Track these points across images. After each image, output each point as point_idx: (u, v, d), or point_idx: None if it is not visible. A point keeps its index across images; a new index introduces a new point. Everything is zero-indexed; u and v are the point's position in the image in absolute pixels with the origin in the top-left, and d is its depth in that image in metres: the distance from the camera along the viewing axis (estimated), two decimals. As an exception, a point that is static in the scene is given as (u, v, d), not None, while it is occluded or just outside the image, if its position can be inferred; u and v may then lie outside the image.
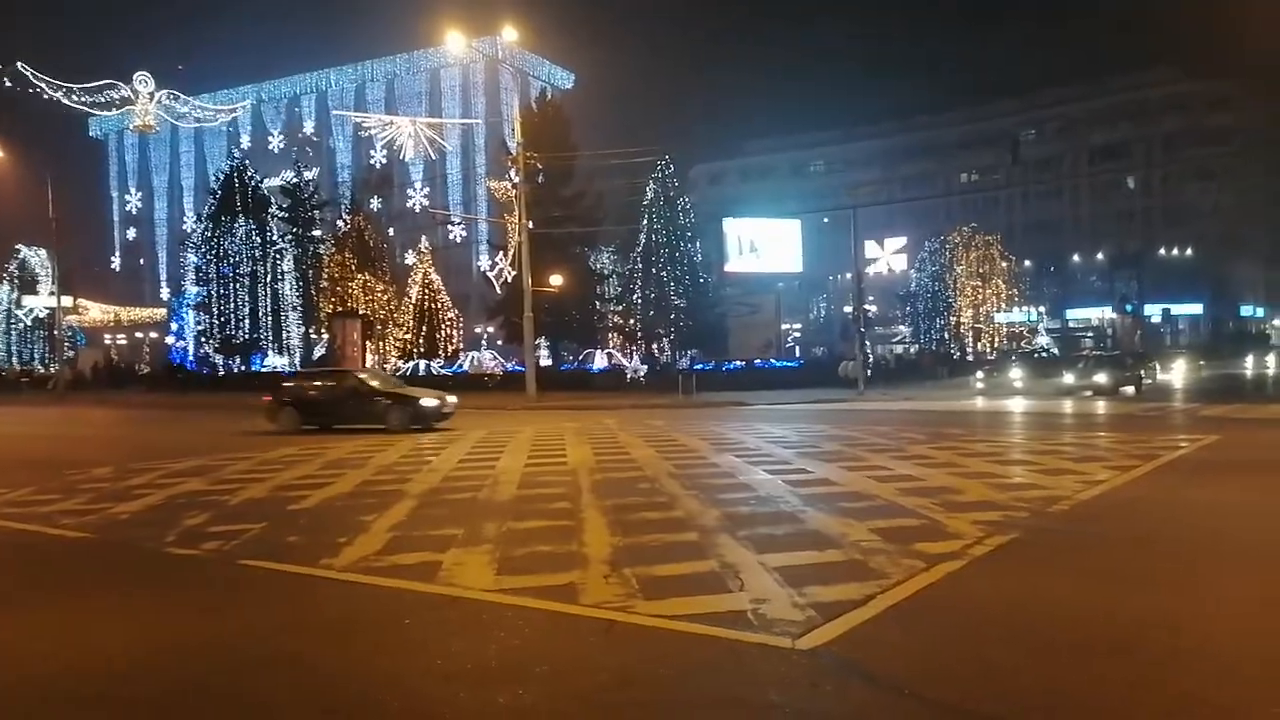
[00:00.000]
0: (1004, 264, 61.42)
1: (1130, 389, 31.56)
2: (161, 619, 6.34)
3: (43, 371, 63.02)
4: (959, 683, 4.78)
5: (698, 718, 4.46)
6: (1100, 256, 75.92)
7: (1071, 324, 74.55)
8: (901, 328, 66.66)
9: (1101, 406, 26.63)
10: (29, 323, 70.11)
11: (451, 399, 22.75)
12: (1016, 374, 38.04)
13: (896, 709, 4.48)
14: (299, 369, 51.03)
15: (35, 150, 65.95)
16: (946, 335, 60.05)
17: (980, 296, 60.40)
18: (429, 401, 21.69)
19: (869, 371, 38.23)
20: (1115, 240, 75.80)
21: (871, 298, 57.77)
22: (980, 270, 60.33)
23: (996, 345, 59.95)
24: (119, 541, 9.08)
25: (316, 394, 22.54)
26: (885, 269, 76.97)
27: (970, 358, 56.45)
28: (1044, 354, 55.10)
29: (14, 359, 69.96)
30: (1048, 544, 8.13)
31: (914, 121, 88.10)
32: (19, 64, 64.40)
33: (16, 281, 69.89)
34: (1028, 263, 69.31)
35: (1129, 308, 65.99)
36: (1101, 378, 31.54)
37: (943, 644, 5.44)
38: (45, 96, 65.41)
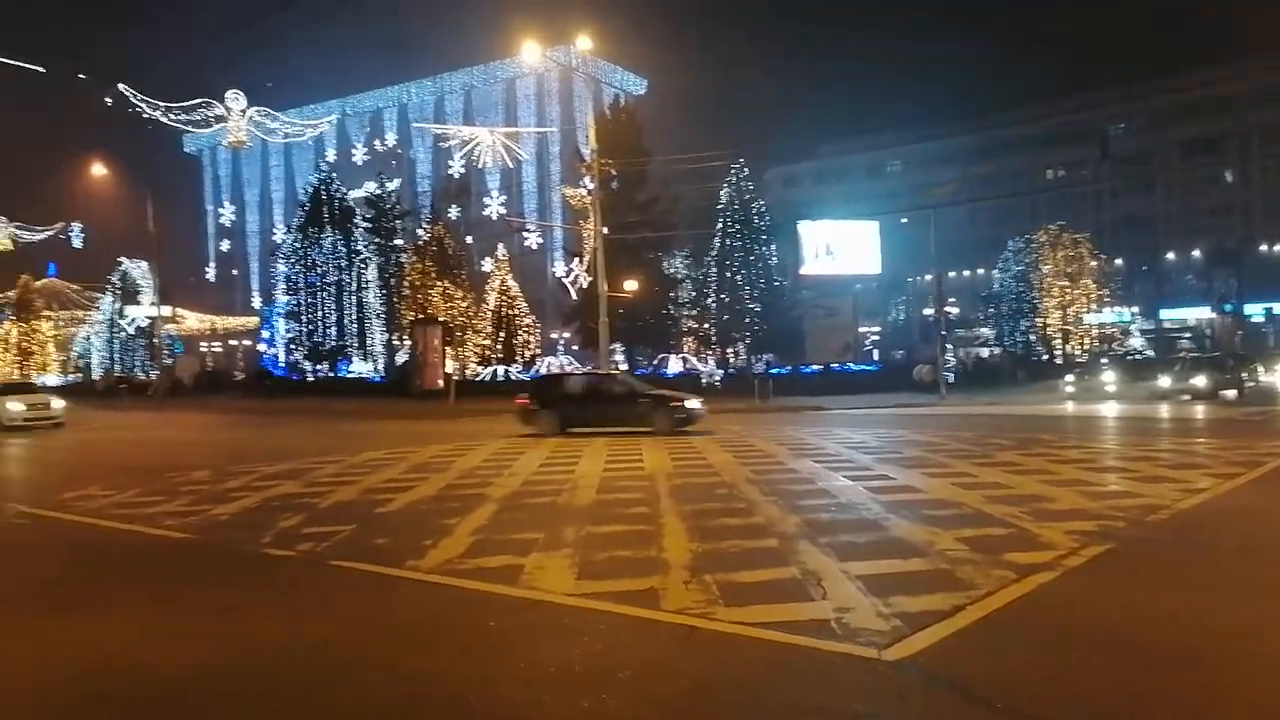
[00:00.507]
0: (1093, 263, 59.22)
1: (1231, 392, 30.12)
2: (261, 619, 6.60)
3: (143, 378, 66.18)
4: (1054, 697, 4.63)
5: (783, 727, 4.42)
6: (1196, 254, 72.51)
7: (1167, 324, 71.43)
8: (984, 330, 64.92)
9: (1200, 411, 25.50)
10: (131, 331, 73.75)
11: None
12: (1108, 377, 36.67)
13: (989, 723, 4.37)
14: (396, 370, 52.39)
15: (136, 167, 69.51)
16: (1032, 337, 58.23)
17: (1068, 297, 58.36)
18: (693, 403, 21.52)
19: (951, 376, 37.35)
20: (1212, 236, 72.31)
21: (952, 299, 56.39)
22: (1068, 270, 58.30)
23: (1087, 348, 57.86)
24: (219, 542, 9.46)
25: (578, 396, 22.10)
26: (967, 270, 75.10)
27: (1059, 361, 54.62)
28: (1138, 356, 53.00)
29: (116, 367, 73.66)
30: (1146, 554, 7.83)
31: (995, 118, 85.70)
32: (120, 86, 67.97)
33: (119, 292, 73.67)
34: (1119, 261, 66.65)
35: (1228, 307, 62.90)
36: (1200, 381, 30.18)
37: (1036, 657, 5.28)
38: (145, 116, 68.88)
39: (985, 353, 59.73)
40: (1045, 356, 56.44)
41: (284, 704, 4.88)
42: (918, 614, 5.90)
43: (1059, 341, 58.36)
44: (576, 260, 48.55)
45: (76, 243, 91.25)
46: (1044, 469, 12.96)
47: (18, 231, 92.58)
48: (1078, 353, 56.91)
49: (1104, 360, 46.18)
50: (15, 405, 27.73)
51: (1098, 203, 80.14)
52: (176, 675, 5.33)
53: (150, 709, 4.88)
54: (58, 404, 29.33)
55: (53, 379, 79.94)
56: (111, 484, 13.89)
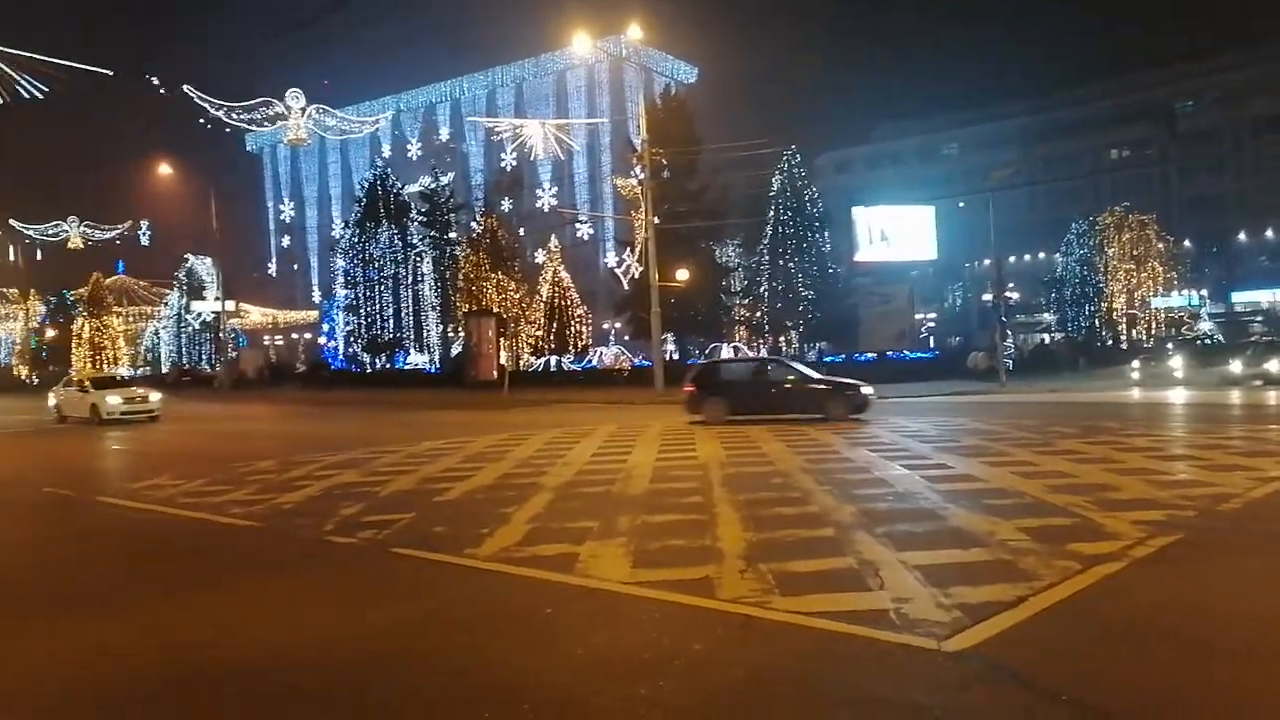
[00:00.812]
0: (1160, 245, 57.43)
1: (1308, 378, 28.97)
2: (325, 607, 6.75)
3: (208, 371, 68.20)
4: (1123, 691, 4.52)
5: (842, 716, 4.39)
6: (1270, 234, 69.83)
7: (1238, 308, 68.96)
8: (1046, 315, 63.40)
9: (1274, 397, 24.58)
10: (197, 326, 76.05)
11: None
12: (1176, 363, 35.56)
13: (1054, 715, 4.28)
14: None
15: (200, 167, 71.44)
16: (1097, 322, 56.69)
17: (1134, 281, 56.69)
18: (868, 389, 21.13)
19: (1010, 363, 36.57)
20: (1286, 216, 69.55)
21: (1012, 284, 55.17)
22: (1134, 252, 56.62)
23: (1154, 332, 56.18)
24: (283, 530, 9.70)
25: (745, 383, 21.78)
26: (1027, 254, 73.46)
27: (1124, 346, 53.13)
28: (1207, 340, 51.27)
29: (184, 360, 76.04)
30: (1217, 545, 7.58)
31: (1056, 98, 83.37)
32: (185, 87, 69.79)
33: (185, 288, 76.00)
34: (1187, 243, 64.52)
35: (1304, 289, 60.41)
36: (1273, 365, 29.07)
37: (1103, 650, 5.15)
38: (208, 115, 70.70)
39: (1046, 338, 58.34)
40: (1110, 342, 54.94)
41: (347, 688, 4.98)
42: (979, 605, 5.80)
43: (1124, 326, 56.77)
44: (628, 250, 48.65)
45: (144, 240, 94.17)
46: (1109, 457, 12.62)
47: (88, 230, 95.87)
48: (1144, 338, 55.33)
49: (1169, 345, 44.72)
50: (113, 399, 28.04)
51: (1165, 183, 77.59)
52: (245, 659, 5.49)
53: (218, 693, 5.03)
54: (155, 397, 29.36)
55: (123, 372, 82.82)
56: (179, 473, 14.34)
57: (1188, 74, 75.85)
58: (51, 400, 30.83)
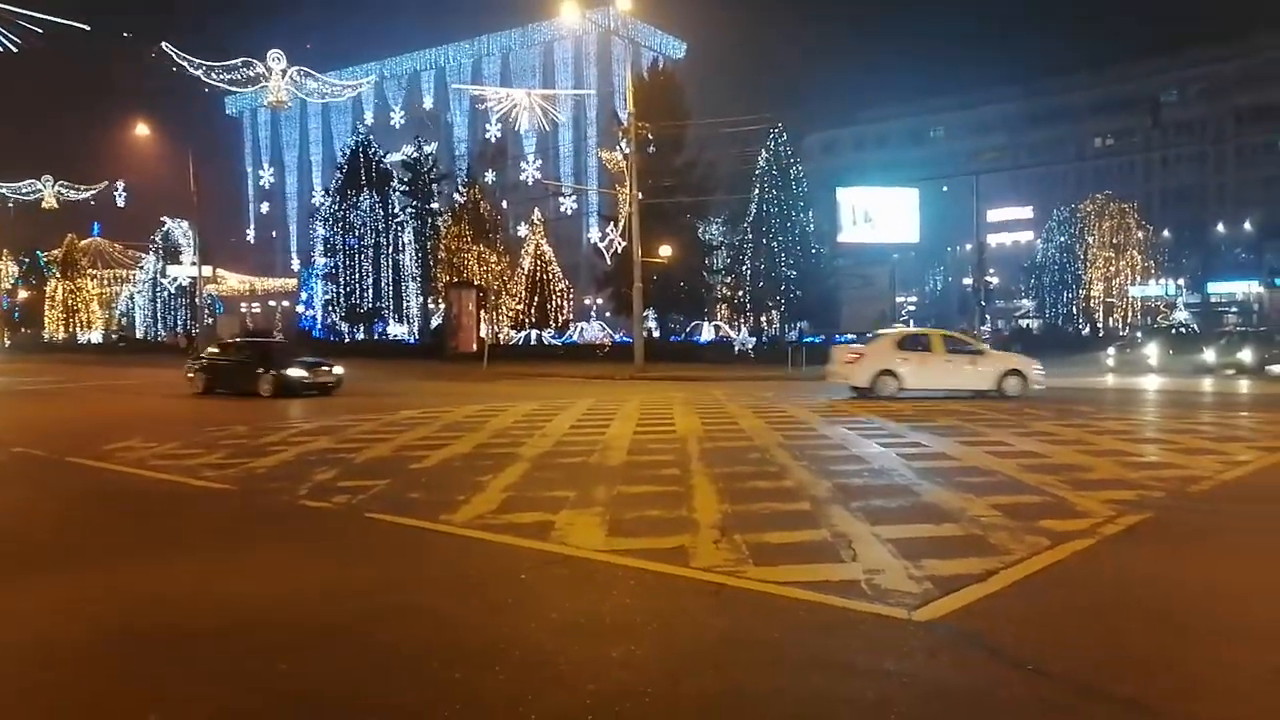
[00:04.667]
0: (1140, 234, 57.97)
1: (1278, 368, 29.40)
2: (298, 569, 6.71)
3: (140, 337, 67.57)
4: (1087, 661, 4.59)
5: (810, 680, 4.43)
6: (1247, 226, 70.59)
7: (1214, 298, 69.82)
8: (1025, 301, 63.92)
9: (1245, 386, 24.96)
10: (172, 290, 75.03)
11: None
12: (1151, 350, 35.92)
13: (1020, 683, 4.34)
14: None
15: (178, 128, 70.25)
16: (1075, 310, 57.23)
17: (1113, 269, 57.23)
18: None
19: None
20: (1264, 209, 70.29)
21: (993, 270, 55.51)
22: (1114, 241, 57.12)
23: (1130, 320, 56.80)
24: (257, 493, 9.62)
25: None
26: (1008, 240, 73.91)
27: (1101, 334, 53.64)
28: (1182, 330, 51.85)
29: (159, 325, 75.19)
30: (1186, 524, 7.71)
31: (1042, 84, 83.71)
32: (163, 44, 68.42)
33: (161, 252, 74.88)
34: (1166, 233, 65.16)
35: (1279, 281, 61.27)
36: (1246, 355, 29.53)
37: (1070, 622, 5.24)
38: (187, 75, 69.37)
39: (1028, 324, 58.74)
40: (1086, 329, 55.46)
41: (319, 648, 4.97)
42: (949, 577, 5.87)
43: (1101, 314, 57.37)
44: (611, 225, 48.43)
45: (120, 202, 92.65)
46: (1082, 439, 12.78)
47: (63, 190, 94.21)
48: (1120, 326, 55.94)
49: (1138, 334, 45.08)
50: None
51: (1147, 172, 78.24)
52: (217, 617, 5.46)
53: (192, 648, 5.01)
54: None
55: (96, 337, 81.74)
56: (152, 436, 14.20)
57: (1173, 65, 76.28)
58: None
